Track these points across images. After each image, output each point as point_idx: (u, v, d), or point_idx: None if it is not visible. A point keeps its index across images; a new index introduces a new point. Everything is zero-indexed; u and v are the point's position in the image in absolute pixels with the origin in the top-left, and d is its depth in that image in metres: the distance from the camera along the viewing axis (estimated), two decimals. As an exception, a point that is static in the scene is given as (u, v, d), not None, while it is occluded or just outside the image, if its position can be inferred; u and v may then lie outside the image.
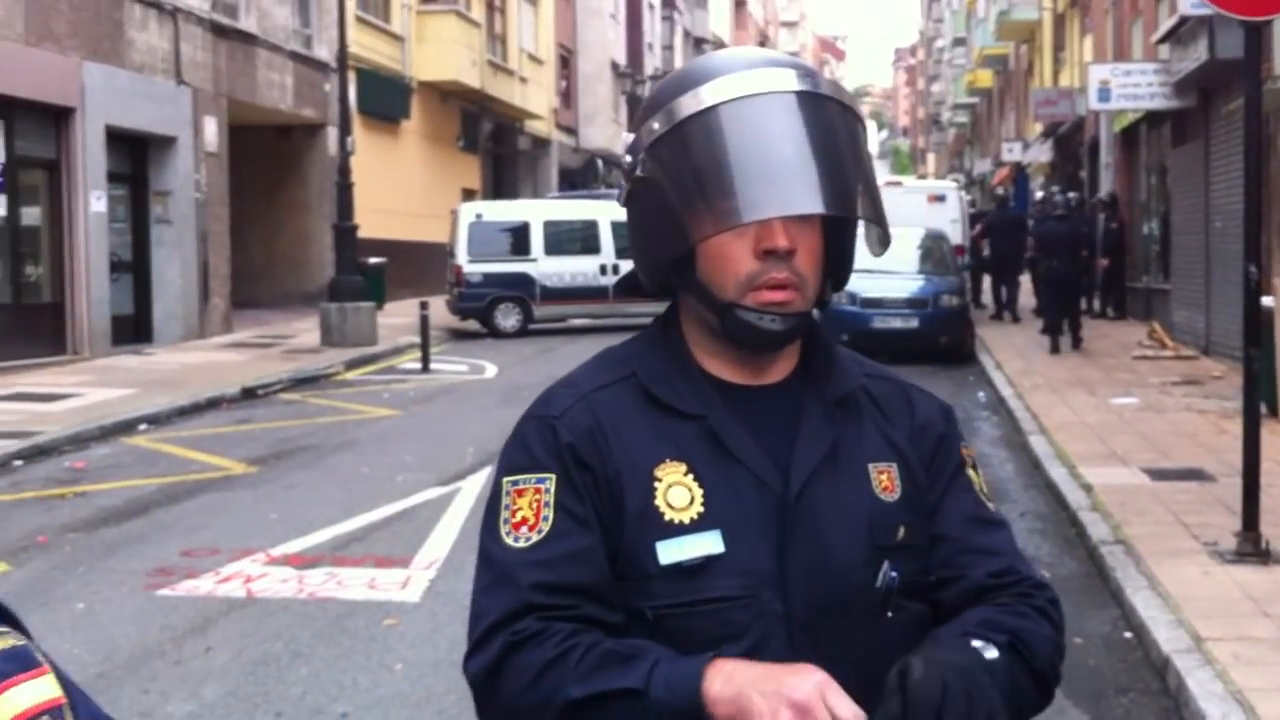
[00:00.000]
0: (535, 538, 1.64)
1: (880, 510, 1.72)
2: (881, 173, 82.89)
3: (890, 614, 1.68)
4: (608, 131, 43.28)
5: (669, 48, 53.50)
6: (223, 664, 6.00)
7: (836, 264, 1.76)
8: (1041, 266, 18.64)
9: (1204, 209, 17.85)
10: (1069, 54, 32.79)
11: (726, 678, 1.50)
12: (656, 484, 1.67)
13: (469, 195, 32.24)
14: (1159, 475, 9.60)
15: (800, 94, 1.64)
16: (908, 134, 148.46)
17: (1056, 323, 18.24)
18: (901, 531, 1.72)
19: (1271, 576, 6.86)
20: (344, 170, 20.66)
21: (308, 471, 10.66)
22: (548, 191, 37.14)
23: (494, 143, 36.51)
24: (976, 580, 1.73)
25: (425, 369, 17.51)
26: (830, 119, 1.65)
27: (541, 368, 17.02)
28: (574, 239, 22.77)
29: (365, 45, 26.83)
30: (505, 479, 1.70)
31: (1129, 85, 19.66)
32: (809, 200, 1.60)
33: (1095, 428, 11.76)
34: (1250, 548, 7.13)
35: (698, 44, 56.79)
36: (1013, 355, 17.73)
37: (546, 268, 22.41)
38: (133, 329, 19.41)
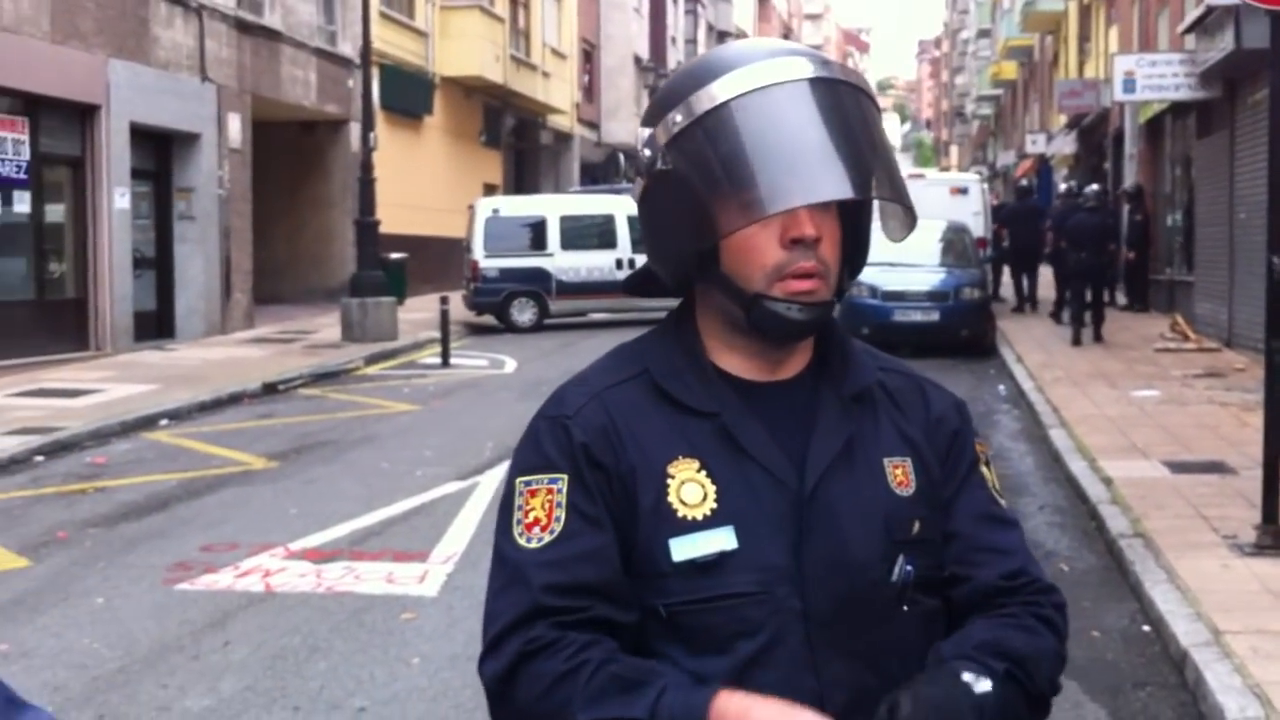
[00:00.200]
0: (547, 538, 1.65)
1: (896, 505, 1.72)
2: (904, 165, 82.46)
3: (905, 608, 1.68)
4: (630, 126, 43.23)
5: (692, 41, 53.39)
6: (241, 658, 6.03)
7: (853, 250, 1.76)
8: (1071, 259, 18.52)
9: (1228, 200, 17.73)
10: (1094, 45, 32.61)
11: (735, 712, 1.52)
12: (669, 481, 1.67)
13: (491, 190, 32.27)
14: (1179, 468, 9.55)
15: (820, 80, 1.64)
16: (931, 126, 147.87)
17: (1079, 313, 18.18)
18: (916, 526, 1.72)
19: (1292, 570, 6.82)
20: (366, 166, 20.69)
21: (327, 466, 10.70)
22: (570, 186, 37.15)
23: (516, 138, 36.53)
24: (987, 582, 1.74)
25: (445, 364, 17.54)
26: (851, 103, 1.66)
27: (561, 362, 17.03)
28: (590, 234, 22.77)
29: (389, 41, 26.87)
30: (518, 479, 1.71)
31: (1154, 76, 19.52)
32: (837, 186, 1.60)
33: (1116, 420, 11.71)
34: (1270, 541, 7.10)
35: (721, 37, 56.66)
36: (1033, 348, 17.65)
37: (562, 262, 22.42)
38: (155, 325, 19.51)
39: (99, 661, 5.98)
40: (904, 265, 17.04)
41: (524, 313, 22.43)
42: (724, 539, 1.64)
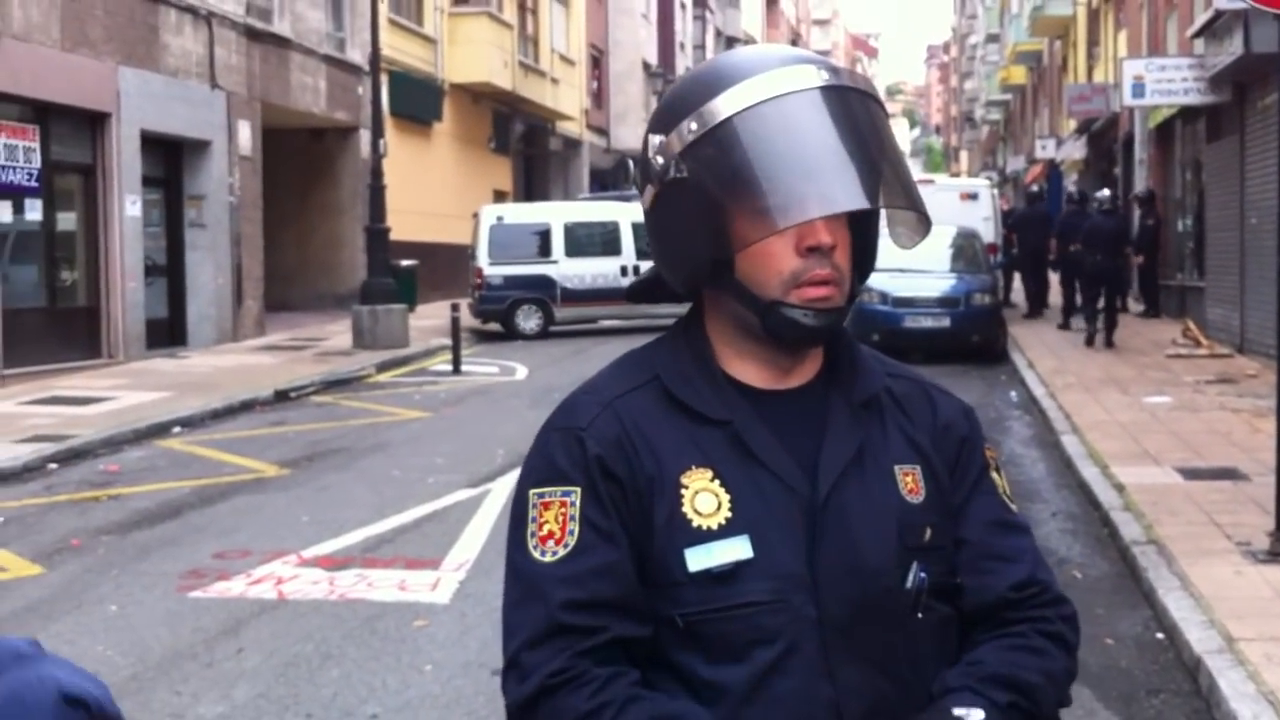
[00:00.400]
0: (562, 552, 1.65)
1: (907, 511, 1.72)
2: (914, 171, 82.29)
3: (920, 615, 1.69)
4: (639, 131, 43.00)
5: (700, 47, 53.44)
6: (254, 665, 6.04)
7: (861, 255, 1.77)
8: (1088, 262, 18.50)
9: (1239, 205, 17.69)
10: (1103, 49, 32.57)
11: None
12: (683, 491, 1.67)
13: (500, 197, 32.30)
14: (1192, 475, 9.53)
15: (831, 88, 1.64)
16: (940, 132, 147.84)
17: (1092, 315, 18.18)
18: (928, 533, 1.73)
19: (1305, 577, 6.80)
20: (376, 172, 20.74)
21: (339, 473, 10.71)
22: (579, 192, 37.17)
23: (525, 144, 36.57)
24: (997, 593, 1.74)
25: (456, 371, 17.56)
26: (862, 110, 1.66)
27: (572, 369, 17.04)
28: (595, 241, 22.79)
29: (397, 48, 26.92)
30: (531, 491, 1.70)
31: (1163, 80, 19.52)
32: (856, 197, 1.61)
33: (1128, 426, 11.69)
34: (1284, 547, 7.08)
35: (729, 43, 56.66)
36: (1045, 354, 17.63)
37: (567, 269, 22.45)
38: (167, 332, 19.55)
39: (112, 669, 5.99)
40: (914, 271, 16.99)
41: (529, 320, 22.44)
42: (739, 548, 1.64)
